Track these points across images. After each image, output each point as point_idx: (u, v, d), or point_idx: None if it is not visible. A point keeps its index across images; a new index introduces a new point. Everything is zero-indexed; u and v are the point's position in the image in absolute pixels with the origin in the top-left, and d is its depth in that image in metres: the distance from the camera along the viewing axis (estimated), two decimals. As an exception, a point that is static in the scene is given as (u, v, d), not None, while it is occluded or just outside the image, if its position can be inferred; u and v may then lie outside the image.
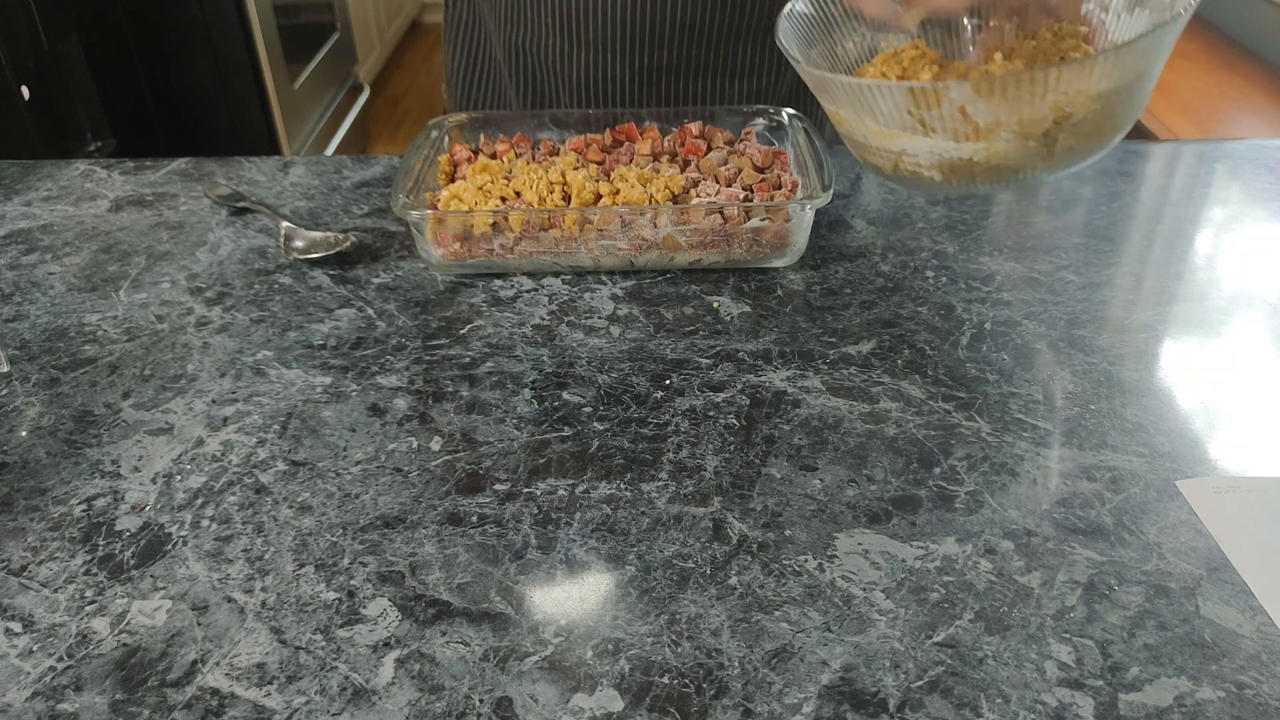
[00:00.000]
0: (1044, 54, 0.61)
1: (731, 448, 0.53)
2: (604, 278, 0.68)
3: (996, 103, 0.52)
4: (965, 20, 0.67)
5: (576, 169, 0.68)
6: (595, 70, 0.83)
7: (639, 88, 0.84)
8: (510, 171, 0.68)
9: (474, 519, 0.49)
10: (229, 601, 0.44)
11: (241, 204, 0.76)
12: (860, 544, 0.47)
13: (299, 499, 0.50)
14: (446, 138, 0.75)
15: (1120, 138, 0.58)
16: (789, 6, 0.63)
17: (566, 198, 0.66)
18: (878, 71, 0.63)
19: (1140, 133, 1.91)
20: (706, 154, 0.71)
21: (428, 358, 0.60)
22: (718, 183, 0.68)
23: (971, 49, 0.67)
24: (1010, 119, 0.53)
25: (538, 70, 0.86)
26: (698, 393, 0.57)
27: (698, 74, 0.84)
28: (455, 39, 0.93)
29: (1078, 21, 0.62)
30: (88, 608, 0.44)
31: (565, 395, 0.57)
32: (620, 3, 0.79)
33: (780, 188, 0.69)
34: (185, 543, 0.47)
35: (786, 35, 0.62)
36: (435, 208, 0.67)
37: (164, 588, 0.45)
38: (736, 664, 0.41)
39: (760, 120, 0.76)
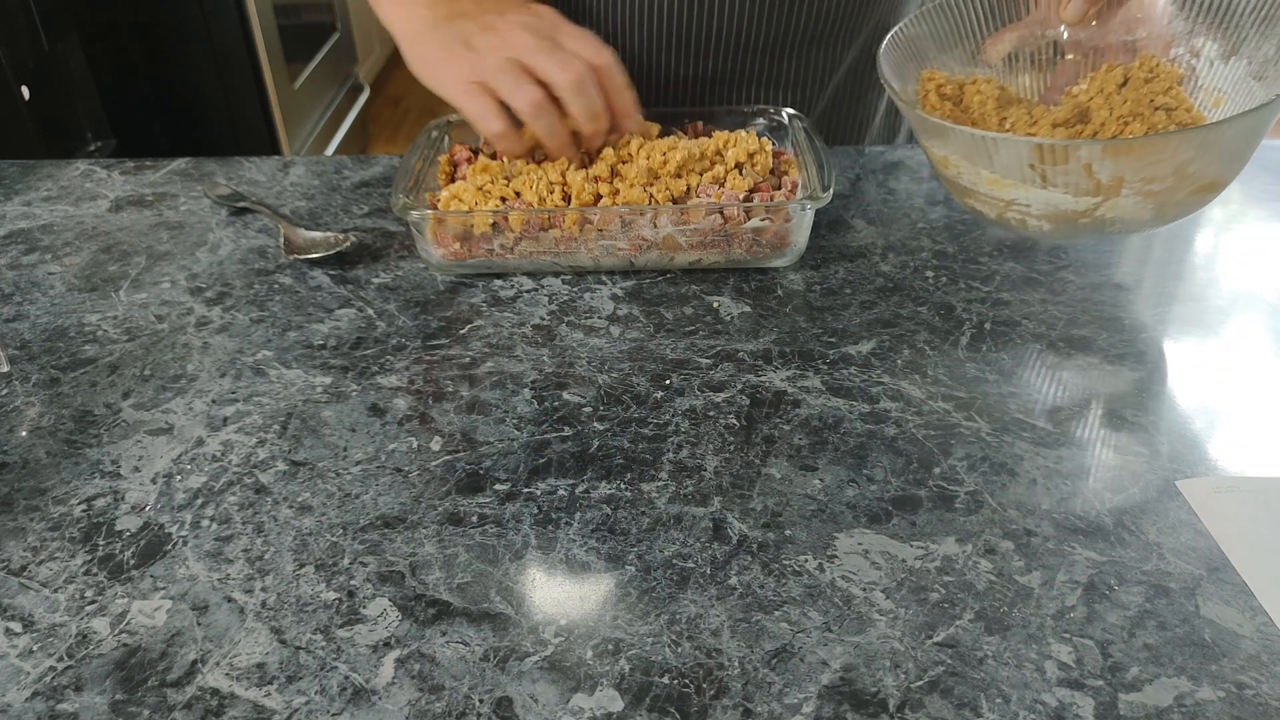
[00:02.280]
0: (1135, 95, 0.60)
1: (731, 448, 0.53)
2: (604, 278, 0.68)
3: (1124, 162, 0.52)
4: (1043, 57, 0.67)
5: (576, 169, 0.68)
6: (640, 81, 0.83)
7: (683, 99, 0.84)
8: (509, 173, 0.68)
9: (474, 519, 0.49)
10: (229, 601, 0.44)
11: (241, 204, 0.76)
12: (860, 544, 0.47)
13: (299, 499, 0.50)
14: (446, 138, 0.75)
15: (1223, 190, 0.58)
16: (887, 41, 0.63)
17: (566, 198, 0.66)
18: (973, 108, 0.63)
19: (1140, 133, 1.91)
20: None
21: (428, 358, 0.60)
22: (717, 183, 0.68)
23: (1047, 84, 0.67)
24: (1134, 177, 0.53)
25: None
26: (698, 393, 0.57)
27: (741, 85, 0.84)
28: None
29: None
30: (88, 608, 0.44)
31: (565, 395, 0.57)
32: (667, 15, 0.79)
33: (780, 188, 0.69)
34: (185, 543, 0.47)
35: (887, 74, 0.62)
36: (435, 208, 0.67)
37: (164, 588, 0.45)
38: (736, 664, 0.41)
39: (760, 120, 0.76)
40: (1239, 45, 0.60)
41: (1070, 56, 0.67)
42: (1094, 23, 0.65)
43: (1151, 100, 0.59)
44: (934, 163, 0.62)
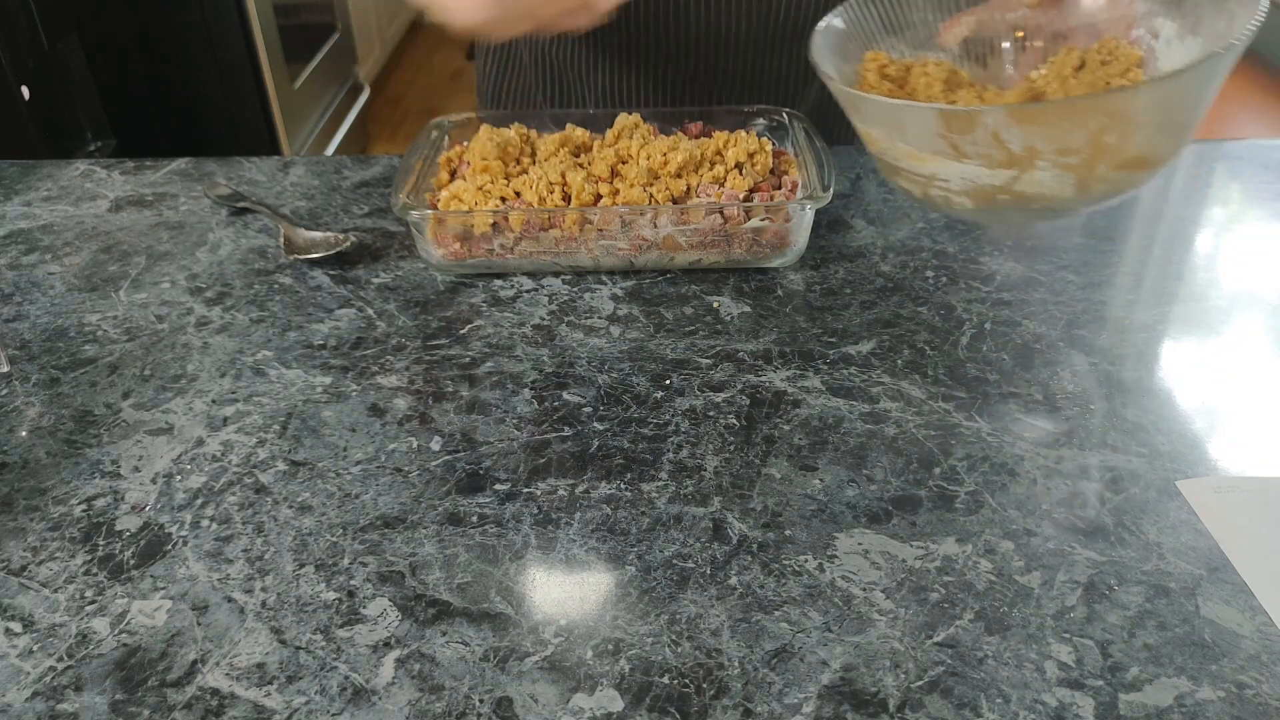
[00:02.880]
0: (1091, 78, 0.58)
1: (731, 448, 0.53)
2: (604, 278, 0.68)
3: (1032, 130, 0.50)
4: (1006, 43, 0.66)
5: (575, 169, 0.68)
6: (621, 79, 0.83)
7: (665, 97, 0.84)
8: (519, 159, 0.68)
9: (474, 519, 0.49)
10: (229, 601, 0.44)
11: (241, 204, 0.76)
12: (860, 544, 0.47)
13: (299, 499, 0.50)
14: (446, 138, 0.75)
15: (1161, 171, 0.56)
16: (824, 22, 0.62)
17: (566, 198, 0.66)
18: (918, 91, 0.61)
19: (1140, 133, 1.91)
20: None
21: (428, 358, 0.60)
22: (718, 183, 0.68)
23: (1011, 70, 0.65)
24: (1046, 148, 0.51)
25: (565, 78, 0.87)
26: (698, 393, 0.57)
27: (723, 84, 0.84)
28: (486, 45, 0.93)
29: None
30: (88, 608, 0.44)
31: (565, 395, 0.57)
32: (646, 13, 0.79)
33: (780, 188, 0.69)
34: (185, 543, 0.47)
35: (820, 51, 0.60)
36: (435, 208, 0.67)
37: (164, 588, 0.45)
38: (736, 664, 0.41)
39: (760, 120, 0.76)
40: (1197, 25, 0.58)
41: (1031, 41, 0.65)
42: (1055, 9, 0.64)
43: (1107, 83, 0.57)
44: (865, 141, 0.60)
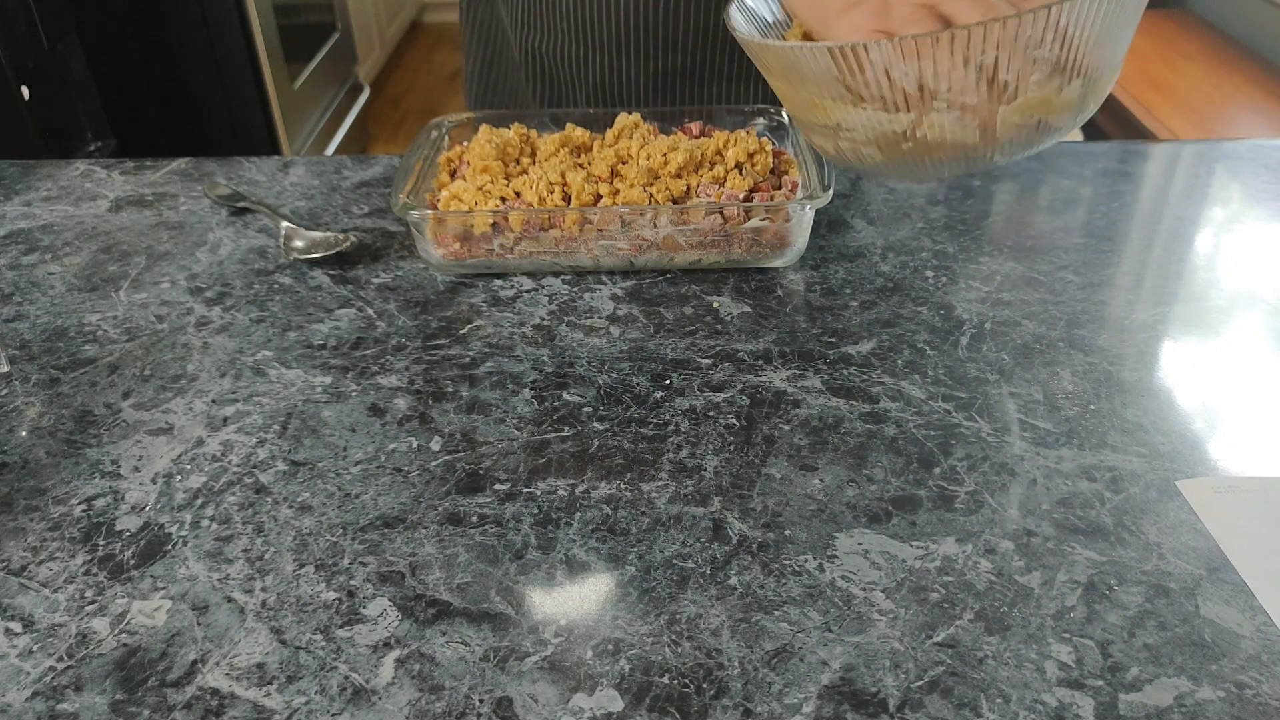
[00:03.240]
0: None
1: (731, 448, 0.53)
2: (604, 278, 0.68)
3: (920, 65, 0.48)
4: None
5: (574, 169, 0.68)
6: (610, 74, 0.84)
7: (653, 91, 0.85)
8: (519, 159, 0.68)
9: (474, 519, 0.49)
10: (229, 601, 0.44)
11: (241, 204, 0.76)
12: (860, 544, 0.47)
13: (299, 499, 0.50)
14: (446, 138, 0.75)
15: (1077, 121, 0.54)
16: None
17: (566, 198, 0.66)
18: None
19: (1140, 133, 1.92)
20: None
21: (428, 358, 0.60)
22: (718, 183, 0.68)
23: None
24: (939, 86, 0.49)
25: (554, 73, 0.87)
26: (698, 393, 0.57)
27: (711, 78, 0.84)
28: (473, 41, 0.93)
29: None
30: (88, 608, 0.44)
31: (565, 395, 0.57)
32: (635, 8, 0.79)
33: (780, 188, 0.69)
34: (185, 543, 0.47)
35: (736, 15, 0.59)
36: (435, 208, 0.67)
37: (164, 588, 0.45)
38: (736, 664, 0.41)
39: (760, 120, 0.76)
40: None
41: None
42: None
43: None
44: (782, 101, 0.58)
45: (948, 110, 0.50)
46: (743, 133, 0.71)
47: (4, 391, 0.58)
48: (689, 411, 0.55)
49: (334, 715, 0.40)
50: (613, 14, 0.80)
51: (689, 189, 0.67)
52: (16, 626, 0.43)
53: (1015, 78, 0.49)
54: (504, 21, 0.89)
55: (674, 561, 0.46)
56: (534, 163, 0.70)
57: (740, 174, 0.68)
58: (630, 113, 0.73)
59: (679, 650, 0.42)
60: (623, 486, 0.50)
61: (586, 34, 0.82)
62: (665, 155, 0.67)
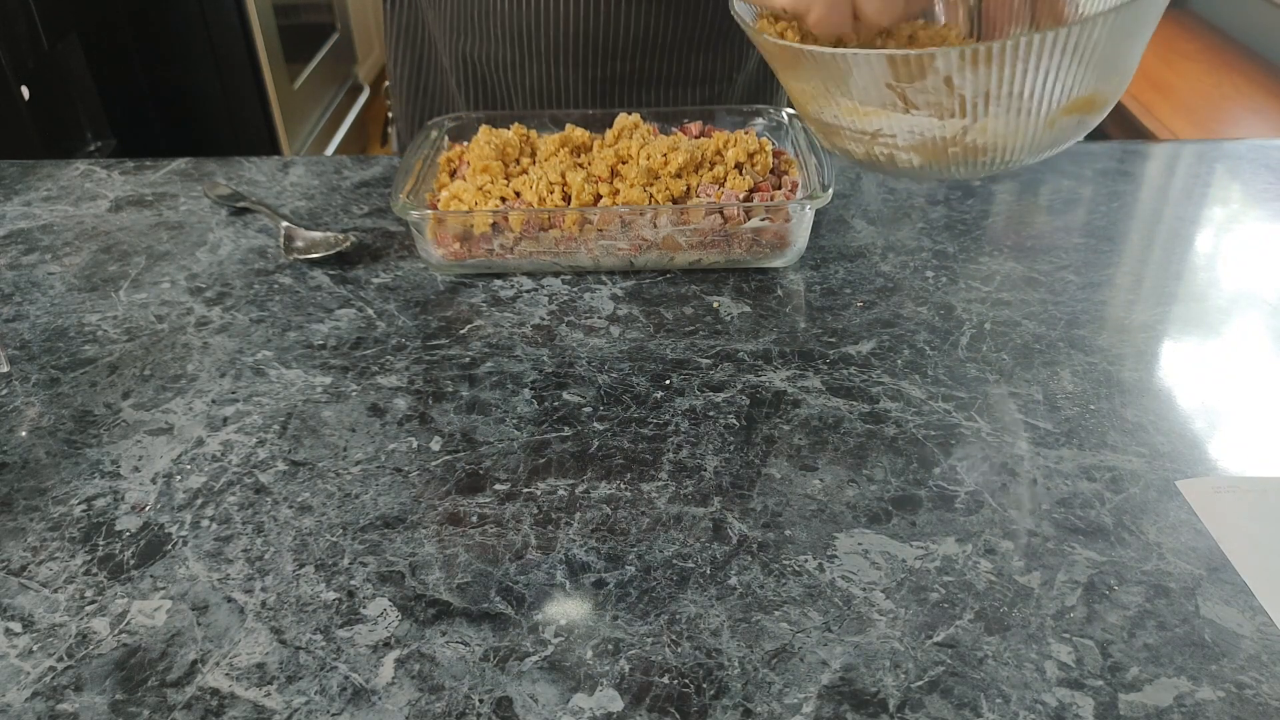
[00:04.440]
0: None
1: (731, 448, 0.53)
2: (604, 278, 0.68)
3: (987, 73, 0.48)
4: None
5: (575, 169, 0.68)
6: (548, 81, 0.83)
7: (592, 98, 0.85)
8: (519, 160, 0.68)
9: (474, 519, 0.49)
10: (229, 601, 0.44)
11: (241, 204, 0.76)
12: (860, 544, 0.47)
13: (299, 499, 0.50)
14: (446, 138, 0.75)
15: (1101, 117, 0.54)
16: None
17: (566, 198, 0.66)
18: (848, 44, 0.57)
19: (1140, 133, 1.91)
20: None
21: (428, 358, 0.60)
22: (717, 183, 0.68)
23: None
24: (1000, 90, 0.49)
25: (488, 79, 0.86)
26: (698, 393, 0.57)
27: (650, 84, 0.85)
28: (398, 45, 0.92)
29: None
30: (88, 608, 0.44)
31: (565, 395, 0.57)
32: (572, 16, 0.79)
33: (780, 188, 0.69)
34: (185, 543, 0.47)
35: (744, 9, 0.58)
36: (435, 208, 0.67)
37: (164, 588, 0.45)
38: (736, 664, 0.41)
39: (760, 120, 0.76)
40: None
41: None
42: None
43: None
44: (796, 105, 0.57)
45: (1004, 115, 0.50)
46: (742, 133, 0.71)
47: (4, 391, 0.58)
48: (689, 411, 0.55)
49: (334, 715, 0.40)
50: (551, 22, 0.79)
51: (689, 189, 0.67)
52: (16, 626, 0.43)
53: (1074, 80, 0.49)
54: (431, 27, 0.88)
55: (674, 561, 0.46)
56: (534, 163, 0.70)
57: (740, 174, 0.68)
58: (630, 113, 0.73)
59: (679, 650, 0.42)
60: (623, 486, 0.50)
61: (523, 41, 0.81)
62: (665, 155, 0.67)
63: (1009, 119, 0.50)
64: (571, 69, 0.82)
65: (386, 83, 0.97)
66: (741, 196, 0.66)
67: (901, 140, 0.53)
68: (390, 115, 0.86)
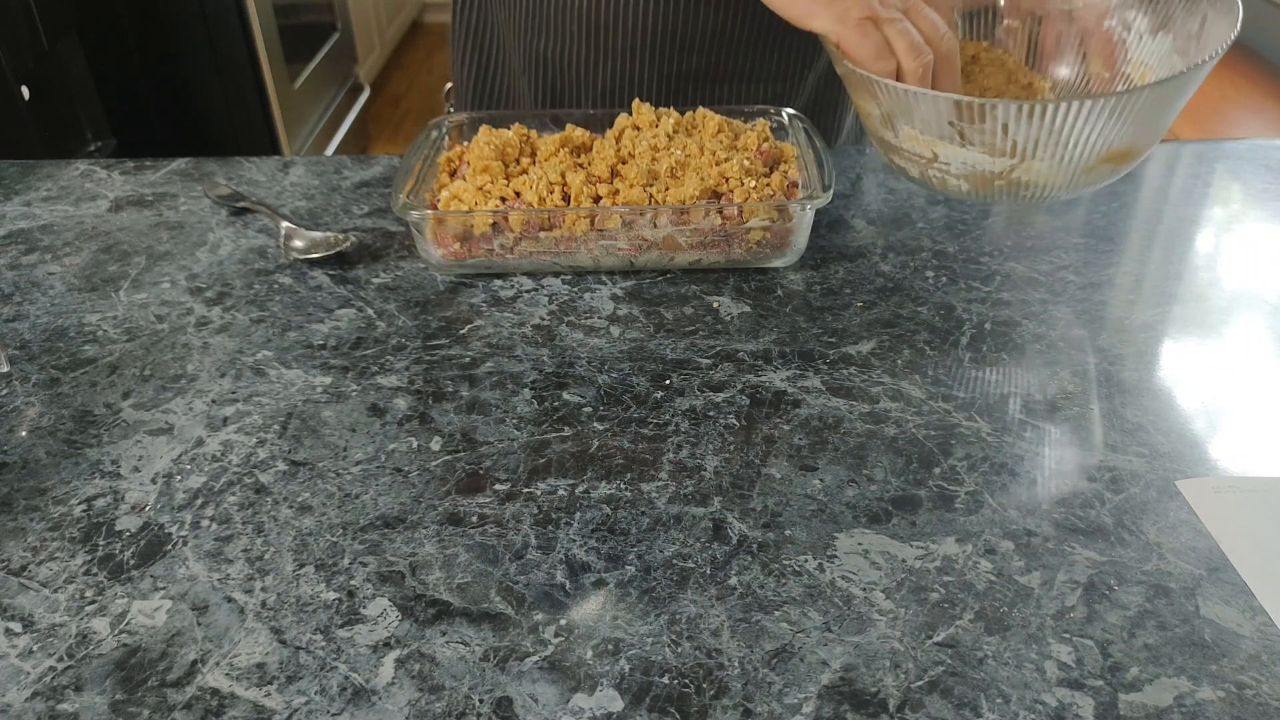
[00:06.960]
0: (1010, 76, 0.64)
1: (731, 448, 0.53)
2: (604, 278, 0.68)
3: (1039, 125, 0.54)
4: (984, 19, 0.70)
5: (575, 170, 0.68)
6: (622, 78, 0.83)
7: (664, 94, 0.85)
8: (519, 160, 0.68)
9: (474, 519, 0.49)
10: (229, 601, 0.44)
11: (241, 204, 0.76)
12: (860, 544, 0.47)
13: (299, 499, 0.50)
14: (446, 138, 0.75)
15: (1135, 165, 0.59)
16: None
17: (566, 198, 0.66)
18: None
19: (1140, 133, 1.91)
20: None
21: (428, 358, 0.60)
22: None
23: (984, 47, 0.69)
24: (1048, 140, 0.55)
25: (560, 79, 0.86)
26: (698, 393, 0.57)
27: (722, 80, 0.84)
28: (465, 46, 0.92)
29: (1100, 37, 0.64)
30: (88, 608, 0.44)
31: (565, 395, 0.57)
32: (650, 11, 0.79)
33: (773, 172, 0.69)
34: (185, 543, 0.47)
35: None
36: (435, 208, 0.67)
37: (164, 588, 0.45)
38: (736, 664, 0.41)
39: (760, 120, 0.76)
40: (1168, 21, 0.63)
41: (1008, 21, 0.69)
42: None
43: (1029, 83, 0.64)
44: (863, 119, 0.63)
45: (1049, 160, 0.56)
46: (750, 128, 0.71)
47: (4, 391, 0.58)
48: (689, 411, 0.55)
49: (334, 715, 0.40)
50: (628, 17, 0.79)
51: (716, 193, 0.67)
52: (16, 626, 0.43)
53: (1115, 135, 0.55)
54: (502, 27, 0.89)
55: (674, 561, 0.46)
56: (534, 163, 0.70)
57: (742, 184, 0.68)
58: (634, 111, 0.73)
59: (679, 650, 0.42)
60: (623, 486, 0.50)
61: (598, 38, 0.81)
62: (674, 161, 0.67)
63: (1052, 164, 0.56)
64: (646, 64, 0.83)
65: (448, 85, 0.97)
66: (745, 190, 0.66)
67: (955, 169, 0.59)
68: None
